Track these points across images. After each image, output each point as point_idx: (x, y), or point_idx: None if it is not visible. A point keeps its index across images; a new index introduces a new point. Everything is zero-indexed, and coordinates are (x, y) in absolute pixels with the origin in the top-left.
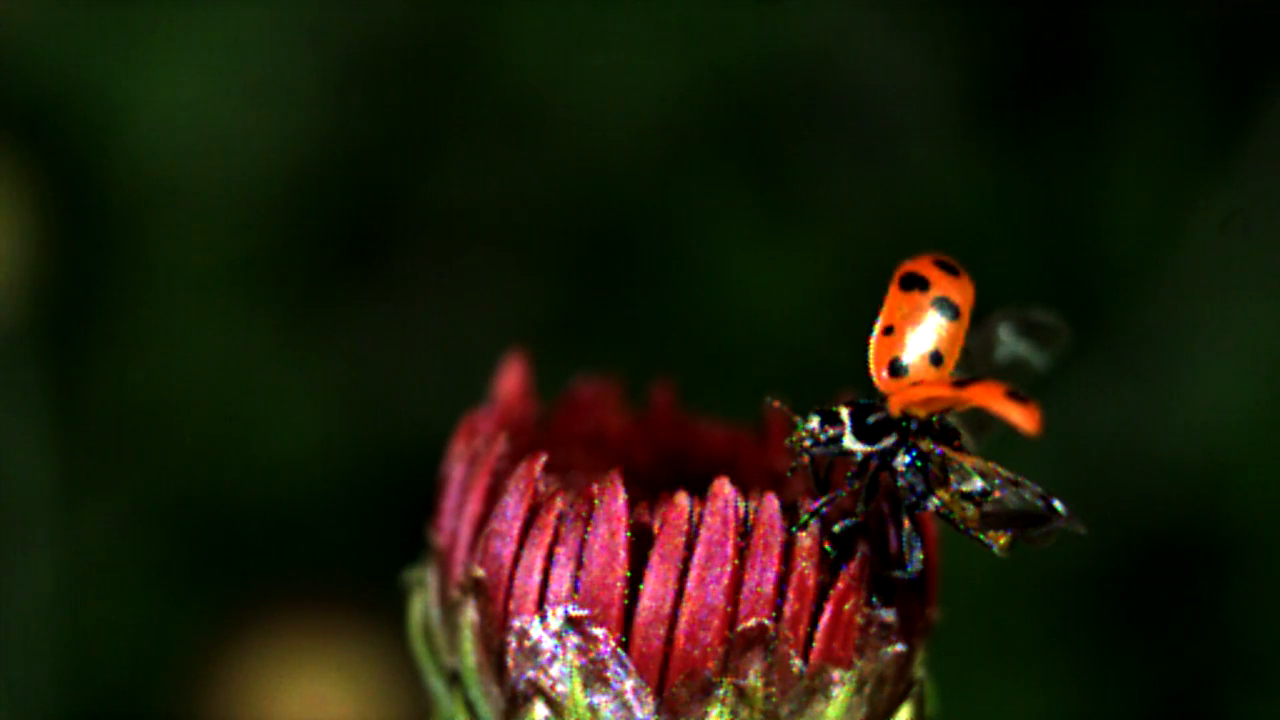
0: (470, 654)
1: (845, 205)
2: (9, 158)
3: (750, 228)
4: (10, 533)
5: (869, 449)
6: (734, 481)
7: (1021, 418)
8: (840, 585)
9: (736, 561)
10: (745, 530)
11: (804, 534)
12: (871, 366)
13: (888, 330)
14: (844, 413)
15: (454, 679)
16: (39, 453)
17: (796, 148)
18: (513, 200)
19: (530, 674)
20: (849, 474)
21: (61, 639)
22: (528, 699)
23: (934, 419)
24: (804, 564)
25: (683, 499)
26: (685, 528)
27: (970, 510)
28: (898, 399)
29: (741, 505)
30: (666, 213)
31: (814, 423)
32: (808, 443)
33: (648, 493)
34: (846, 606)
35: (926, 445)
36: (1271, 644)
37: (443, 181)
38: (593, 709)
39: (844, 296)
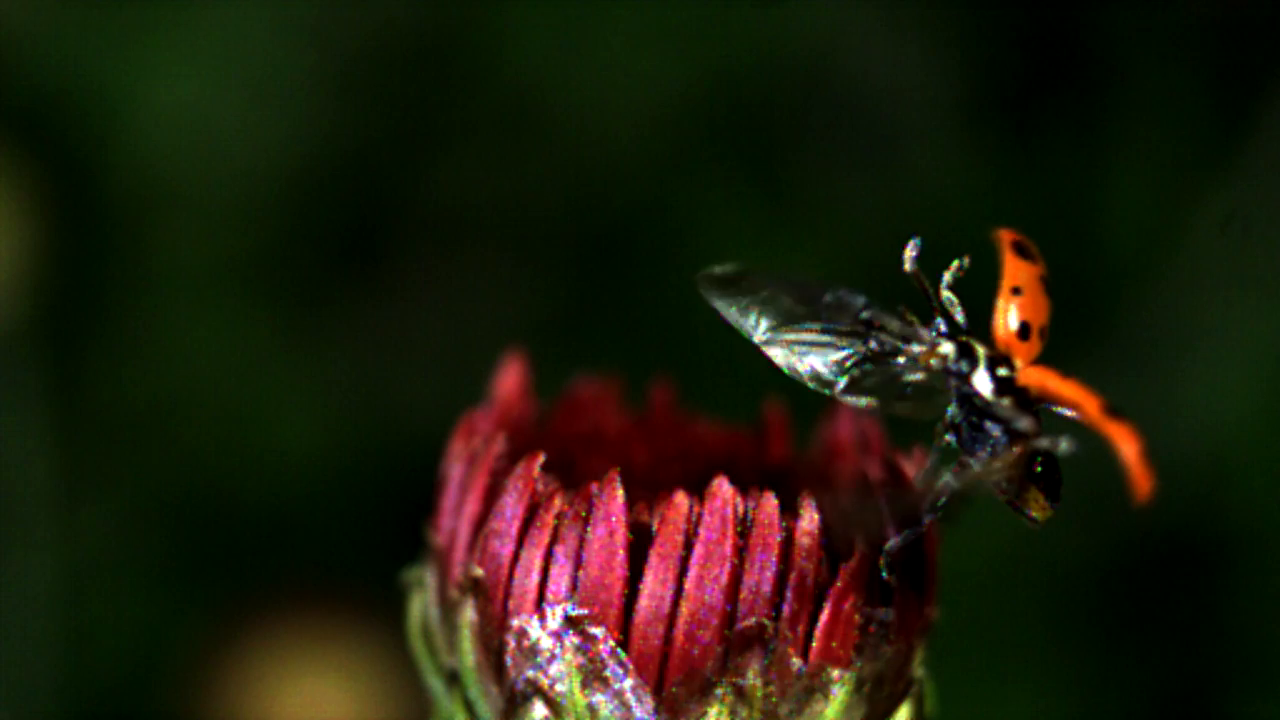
0: (469, 653)
1: (845, 205)
2: (9, 158)
3: (750, 227)
4: (10, 533)
5: (994, 399)
6: (732, 481)
7: (1143, 480)
8: (839, 584)
9: (735, 561)
10: (744, 529)
11: (802, 533)
12: (998, 324)
13: (1015, 290)
14: (981, 350)
15: (453, 678)
16: (39, 453)
17: (796, 148)
18: (512, 200)
19: (529, 673)
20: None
21: (61, 639)
22: (527, 698)
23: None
24: (803, 563)
25: (681, 498)
26: (684, 527)
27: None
28: (1037, 374)
29: (740, 504)
30: (666, 212)
31: (948, 348)
32: (933, 363)
33: (647, 493)
34: (845, 605)
35: (1028, 423)
36: (1271, 644)
37: (443, 181)
38: (592, 708)
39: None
